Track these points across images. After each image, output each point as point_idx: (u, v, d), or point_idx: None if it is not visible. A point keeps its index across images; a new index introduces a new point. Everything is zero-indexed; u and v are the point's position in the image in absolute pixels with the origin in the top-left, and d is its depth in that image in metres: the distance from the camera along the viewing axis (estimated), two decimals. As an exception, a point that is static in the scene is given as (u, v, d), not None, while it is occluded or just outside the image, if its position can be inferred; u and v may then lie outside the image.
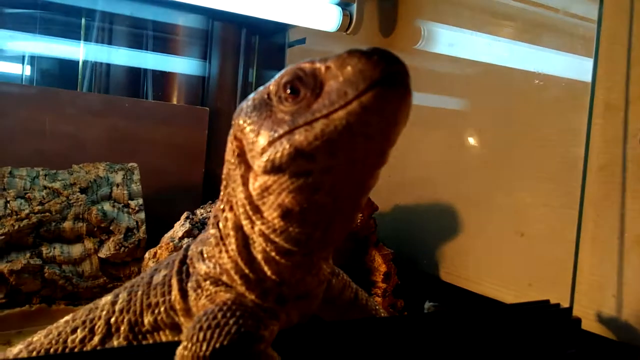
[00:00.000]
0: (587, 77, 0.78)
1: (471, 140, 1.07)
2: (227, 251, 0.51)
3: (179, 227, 0.97)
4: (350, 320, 0.61)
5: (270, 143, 0.45)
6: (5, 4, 1.65)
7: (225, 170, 0.52)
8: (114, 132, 1.52)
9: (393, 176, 1.25)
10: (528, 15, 1.00)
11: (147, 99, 1.73)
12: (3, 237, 1.06)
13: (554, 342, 0.70)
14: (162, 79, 1.84)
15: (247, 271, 0.49)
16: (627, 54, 0.75)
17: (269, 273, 0.49)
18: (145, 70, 1.85)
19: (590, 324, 0.77)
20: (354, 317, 0.66)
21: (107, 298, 0.59)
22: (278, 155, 0.44)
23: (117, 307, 0.56)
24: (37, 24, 1.78)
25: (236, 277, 0.50)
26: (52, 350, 0.56)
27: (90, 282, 1.13)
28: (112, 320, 0.56)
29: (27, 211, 1.09)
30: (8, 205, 1.09)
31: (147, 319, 0.54)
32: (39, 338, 0.58)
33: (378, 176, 0.49)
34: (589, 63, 0.78)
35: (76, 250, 1.14)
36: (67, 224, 1.13)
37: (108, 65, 1.83)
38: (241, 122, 0.48)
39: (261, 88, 0.49)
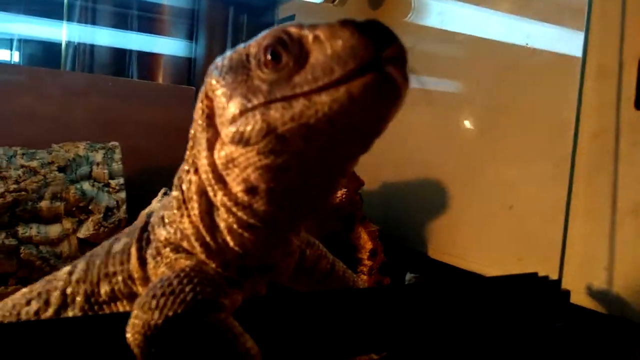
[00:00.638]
0: (580, 45, 0.74)
1: (460, 115, 1.03)
2: (188, 216, 0.47)
3: (156, 204, 0.94)
4: (323, 291, 0.58)
5: (242, 113, 0.41)
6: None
7: (192, 130, 0.48)
8: (98, 111, 1.48)
9: (380, 151, 1.21)
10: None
11: (132, 78, 1.69)
12: (-24, 216, 1.02)
13: (542, 314, 0.67)
14: (148, 59, 1.79)
15: (208, 239, 0.46)
16: (621, 13, 0.71)
17: (231, 244, 0.46)
18: (130, 50, 1.81)
19: (580, 298, 0.74)
20: (330, 288, 0.63)
21: (66, 268, 0.56)
22: (248, 128, 0.40)
23: (73, 277, 0.53)
24: (20, 4, 1.73)
25: (196, 244, 0.46)
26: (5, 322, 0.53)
27: (69, 263, 1.10)
28: (68, 290, 0.53)
29: (1, 190, 1.06)
30: (-18, 184, 1.06)
31: (104, 288, 0.51)
32: None
33: (357, 160, 0.45)
34: (580, 32, 0.74)
35: (54, 230, 1.10)
36: (44, 204, 1.09)
37: (92, 45, 1.78)
38: (214, 82, 0.44)
39: (241, 46, 0.44)
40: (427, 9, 1.17)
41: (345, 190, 0.93)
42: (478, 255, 0.92)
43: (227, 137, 0.42)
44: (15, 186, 1.08)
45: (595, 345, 0.72)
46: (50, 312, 0.52)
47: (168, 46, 1.81)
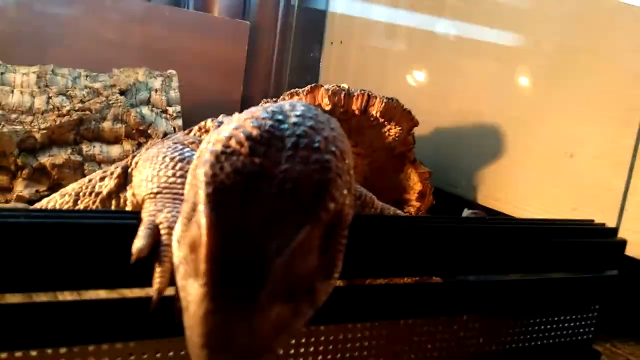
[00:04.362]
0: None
1: (521, 63, 0.99)
2: None
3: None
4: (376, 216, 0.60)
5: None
6: None
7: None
8: (155, 40, 1.50)
9: (435, 97, 1.19)
10: None
11: (188, 8, 1.69)
12: (45, 131, 1.08)
13: (595, 261, 0.67)
14: (204, -10, 1.78)
15: None
16: None
17: None
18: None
19: (636, 250, 0.73)
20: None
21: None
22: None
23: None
24: None
25: None
26: (81, 193, 0.62)
27: (128, 182, 1.15)
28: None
29: (68, 108, 1.11)
30: (50, 101, 1.11)
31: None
32: (73, 188, 0.63)
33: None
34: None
35: (115, 151, 1.15)
36: (106, 124, 1.14)
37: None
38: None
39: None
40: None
41: (399, 129, 0.93)
42: (530, 203, 0.91)
43: None
44: (80, 105, 1.12)
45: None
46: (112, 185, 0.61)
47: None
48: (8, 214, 0.39)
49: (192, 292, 0.33)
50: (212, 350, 0.30)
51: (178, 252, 0.37)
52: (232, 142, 0.37)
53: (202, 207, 0.34)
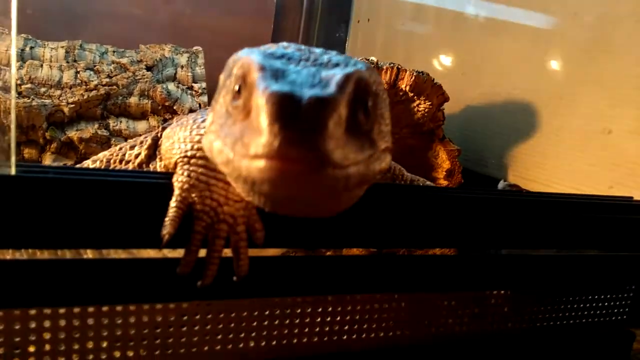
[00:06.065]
0: None
1: (559, 30, 0.95)
2: None
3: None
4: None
5: (209, 127, 0.41)
6: None
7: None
8: (180, 17, 1.50)
9: (465, 74, 1.16)
10: None
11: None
12: (73, 105, 1.09)
13: (633, 239, 0.64)
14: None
15: None
16: None
17: None
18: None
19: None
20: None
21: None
22: (205, 146, 0.41)
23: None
24: None
25: None
26: (112, 160, 0.63)
27: (154, 158, 1.16)
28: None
29: (95, 82, 1.11)
30: (78, 75, 1.12)
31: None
32: (104, 154, 0.65)
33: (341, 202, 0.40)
34: None
35: (141, 126, 1.16)
36: (132, 100, 1.15)
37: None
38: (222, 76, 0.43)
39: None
40: None
41: (429, 103, 0.90)
42: (564, 182, 0.88)
43: None
44: (107, 80, 1.13)
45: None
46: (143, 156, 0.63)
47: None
48: (37, 169, 0.38)
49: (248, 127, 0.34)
50: (284, 122, 0.31)
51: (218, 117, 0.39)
52: (264, 49, 0.40)
53: (248, 58, 0.37)
